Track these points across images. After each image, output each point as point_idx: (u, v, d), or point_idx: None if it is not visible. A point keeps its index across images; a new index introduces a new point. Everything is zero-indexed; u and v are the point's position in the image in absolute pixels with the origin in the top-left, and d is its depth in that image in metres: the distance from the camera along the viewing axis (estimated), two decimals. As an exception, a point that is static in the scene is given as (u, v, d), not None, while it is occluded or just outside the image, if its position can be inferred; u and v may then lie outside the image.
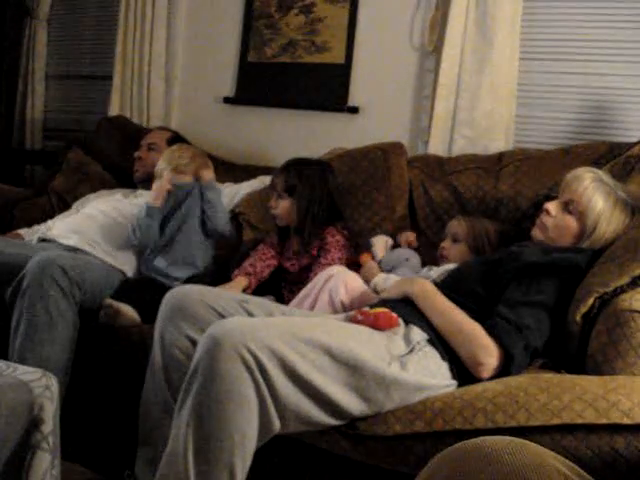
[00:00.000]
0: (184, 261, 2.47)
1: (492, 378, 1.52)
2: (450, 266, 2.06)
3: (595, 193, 1.80)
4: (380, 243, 2.36)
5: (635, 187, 1.91)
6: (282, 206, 2.38)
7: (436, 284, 1.78)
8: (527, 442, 0.71)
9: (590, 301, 1.57)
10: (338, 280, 1.99)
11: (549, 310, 1.61)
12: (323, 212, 2.36)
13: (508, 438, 0.72)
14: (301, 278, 2.32)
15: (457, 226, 2.23)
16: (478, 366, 1.53)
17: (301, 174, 2.38)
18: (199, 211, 2.54)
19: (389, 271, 2.19)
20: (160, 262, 2.47)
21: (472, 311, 1.63)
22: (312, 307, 2.02)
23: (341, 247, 2.33)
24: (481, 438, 0.71)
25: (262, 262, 2.38)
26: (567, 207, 1.84)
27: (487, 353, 1.52)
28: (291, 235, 2.43)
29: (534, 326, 1.57)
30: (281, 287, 2.44)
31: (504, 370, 1.53)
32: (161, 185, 2.53)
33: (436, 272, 2.06)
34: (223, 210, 2.56)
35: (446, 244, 2.24)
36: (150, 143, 2.95)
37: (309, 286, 2.08)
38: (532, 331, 1.56)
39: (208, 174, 2.58)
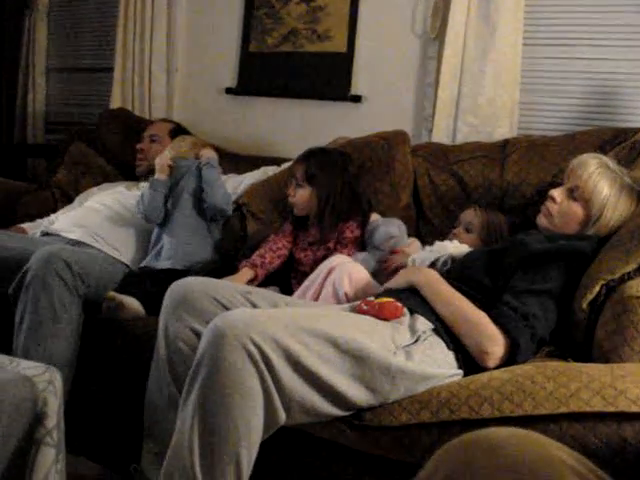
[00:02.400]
0: (182, 240, 2.47)
1: (498, 367, 1.51)
2: (446, 246, 2.06)
3: (601, 179, 1.78)
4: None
5: None
6: (301, 195, 2.36)
7: (441, 273, 1.77)
8: (532, 432, 0.70)
9: (596, 288, 1.56)
10: (342, 272, 1.98)
11: (555, 298, 1.60)
12: (343, 202, 2.34)
13: (514, 429, 0.71)
14: (313, 270, 2.30)
15: (473, 216, 2.21)
16: (484, 355, 1.52)
17: (322, 163, 2.36)
18: (195, 189, 2.57)
19: (371, 234, 2.25)
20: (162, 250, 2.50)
21: (478, 300, 1.62)
22: (315, 298, 2.01)
23: (359, 243, 2.32)
24: (486, 429, 0.71)
25: (272, 252, 2.36)
26: (572, 194, 1.82)
27: (493, 342, 1.52)
28: (309, 225, 2.42)
29: (540, 314, 1.56)
30: (289, 277, 2.42)
31: (510, 359, 1.52)
32: (161, 158, 2.60)
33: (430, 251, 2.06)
34: (221, 188, 2.57)
35: (458, 231, 2.21)
36: (152, 135, 2.94)
37: (311, 277, 2.07)
38: (538, 319, 1.55)
39: (207, 152, 2.65)
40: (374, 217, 2.34)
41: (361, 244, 2.34)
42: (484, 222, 2.18)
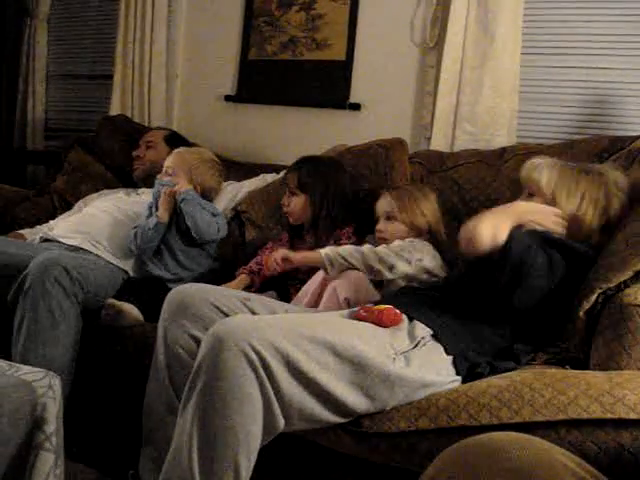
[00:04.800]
0: (173, 269, 2.46)
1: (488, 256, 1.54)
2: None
3: (541, 169, 1.83)
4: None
5: (637, 176, 1.92)
6: (295, 203, 2.37)
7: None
8: (534, 437, 0.70)
9: (593, 297, 1.57)
10: (342, 277, 1.98)
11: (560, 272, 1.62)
12: (337, 209, 2.35)
13: (515, 434, 0.71)
14: (310, 277, 2.30)
15: (386, 203, 2.14)
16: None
17: (314, 170, 2.38)
18: (178, 224, 2.48)
19: None
20: (154, 269, 2.47)
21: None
22: (314, 302, 2.01)
23: None
24: (488, 434, 0.71)
25: None
26: (532, 196, 1.84)
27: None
28: (304, 234, 2.42)
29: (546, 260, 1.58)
30: (286, 282, 2.42)
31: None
32: (165, 198, 2.48)
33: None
34: (205, 220, 2.44)
35: (381, 225, 2.15)
36: (148, 141, 2.96)
37: (310, 282, 2.08)
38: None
39: (181, 187, 2.48)
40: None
41: None
42: (399, 204, 2.11)
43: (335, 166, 2.43)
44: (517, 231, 1.62)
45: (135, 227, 2.51)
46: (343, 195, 2.39)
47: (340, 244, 2.30)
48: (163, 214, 2.46)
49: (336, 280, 1.97)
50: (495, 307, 1.63)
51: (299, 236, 2.44)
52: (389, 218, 2.14)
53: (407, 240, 2.07)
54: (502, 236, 1.56)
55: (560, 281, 1.63)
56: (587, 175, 1.83)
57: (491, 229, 1.57)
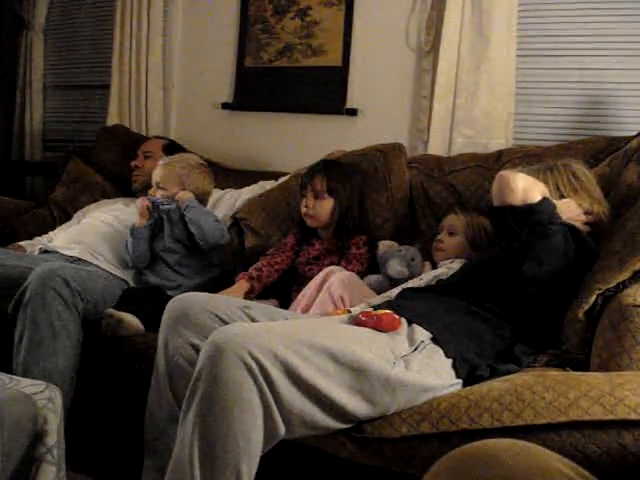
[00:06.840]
0: (171, 278, 2.46)
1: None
2: (450, 264, 2.06)
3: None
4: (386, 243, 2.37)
5: (631, 175, 1.94)
6: (322, 206, 2.36)
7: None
8: (530, 444, 0.70)
9: (592, 298, 1.57)
10: (336, 277, 2.04)
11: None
12: (358, 216, 2.38)
13: (511, 440, 0.71)
14: None
15: (455, 219, 2.23)
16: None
17: (343, 175, 2.39)
18: (180, 234, 2.47)
19: (384, 262, 2.23)
20: (152, 279, 2.48)
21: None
22: (310, 304, 2.05)
23: (363, 261, 2.33)
24: (483, 441, 0.70)
25: (270, 267, 2.37)
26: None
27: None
28: (315, 239, 2.42)
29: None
30: (289, 288, 2.41)
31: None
32: (140, 205, 2.52)
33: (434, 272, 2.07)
34: (210, 225, 2.44)
35: (443, 237, 2.23)
36: (146, 151, 2.95)
37: (307, 286, 2.12)
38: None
39: (183, 195, 2.47)
40: (389, 244, 2.34)
41: (367, 261, 2.35)
42: (468, 223, 2.20)
43: (359, 173, 2.45)
44: (549, 199, 1.71)
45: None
46: (362, 203, 2.40)
47: (349, 253, 2.30)
48: (140, 220, 2.49)
49: (330, 281, 2.03)
50: (496, 306, 1.64)
51: (308, 242, 2.43)
52: (452, 233, 2.21)
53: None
54: (534, 196, 1.68)
55: (566, 272, 1.66)
56: (552, 172, 1.90)
57: (527, 185, 1.70)
